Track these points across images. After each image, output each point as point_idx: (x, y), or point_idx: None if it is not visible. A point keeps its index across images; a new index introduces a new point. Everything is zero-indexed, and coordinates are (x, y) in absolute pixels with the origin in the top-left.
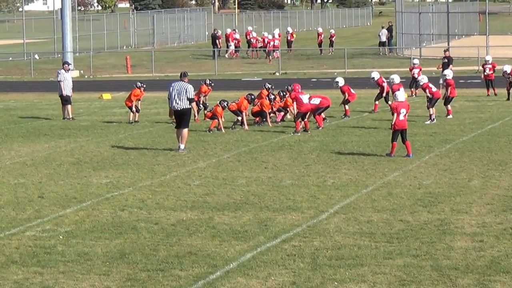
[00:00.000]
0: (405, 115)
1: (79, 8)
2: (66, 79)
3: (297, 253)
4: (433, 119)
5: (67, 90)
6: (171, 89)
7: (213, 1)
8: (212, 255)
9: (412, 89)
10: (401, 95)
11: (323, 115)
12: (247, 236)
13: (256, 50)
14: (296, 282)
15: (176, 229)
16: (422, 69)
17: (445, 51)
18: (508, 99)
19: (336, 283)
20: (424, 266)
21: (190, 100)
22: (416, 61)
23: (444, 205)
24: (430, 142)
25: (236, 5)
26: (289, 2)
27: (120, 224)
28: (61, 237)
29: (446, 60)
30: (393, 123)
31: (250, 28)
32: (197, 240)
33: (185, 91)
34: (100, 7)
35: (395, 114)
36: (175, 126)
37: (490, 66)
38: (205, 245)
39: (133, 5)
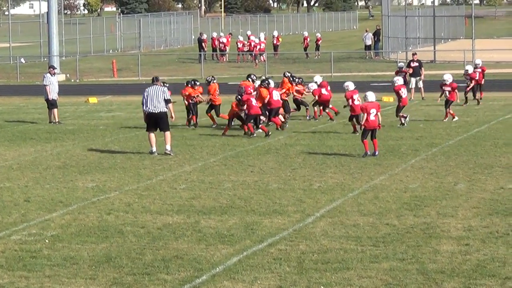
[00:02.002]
0: (375, 114)
1: (65, 12)
2: (52, 83)
3: (283, 257)
4: (404, 123)
5: (53, 94)
6: (145, 94)
7: (199, 5)
8: (198, 259)
9: None
10: (371, 95)
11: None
12: (233, 240)
13: (243, 54)
14: (282, 286)
15: (162, 233)
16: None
17: (413, 54)
18: (466, 102)
19: (322, 287)
20: (410, 269)
21: (167, 101)
22: (401, 64)
23: (430, 208)
24: (416, 145)
25: (222, 9)
26: (275, 6)
27: (106, 228)
28: (47, 241)
29: (417, 64)
30: (362, 123)
31: (249, 32)
32: (183, 244)
33: (162, 93)
34: (86, 11)
35: (365, 114)
36: (147, 130)
37: (479, 70)
38: (191, 249)
39: (120, 9)
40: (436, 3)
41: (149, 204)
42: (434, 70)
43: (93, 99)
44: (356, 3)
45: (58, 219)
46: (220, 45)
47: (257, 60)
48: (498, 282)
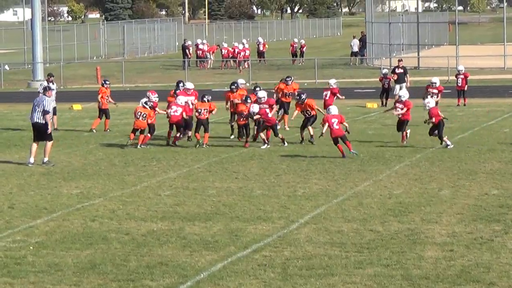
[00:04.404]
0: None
1: (49, 18)
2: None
3: (268, 263)
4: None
5: None
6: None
7: (183, 12)
8: (183, 266)
9: (382, 99)
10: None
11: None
12: (217, 246)
13: (226, 61)
14: None
15: (146, 240)
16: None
17: (399, 61)
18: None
19: None
20: (394, 275)
21: (44, 112)
22: (385, 71)
23: (414, 214)
24: (400, 151)
25: (206, 16)
26: (259, 12)
27: (91, 234)
28: (31, 247)
29: (402, 71)
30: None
31: (235, 43)
32: (168, 251)
33: (42, 104)
34: (70, 18)
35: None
36: (34, 140)
37: (462, 76)
38: (175, 255)
39: (103, 16)
40: (420, 10)
41: (133, 211)
42: (418, 76)
43: (77, 106)
44: (340, 10)
45: (43, 225)
46: (198, 51)
47: (241, 67)
48: (483, 287)
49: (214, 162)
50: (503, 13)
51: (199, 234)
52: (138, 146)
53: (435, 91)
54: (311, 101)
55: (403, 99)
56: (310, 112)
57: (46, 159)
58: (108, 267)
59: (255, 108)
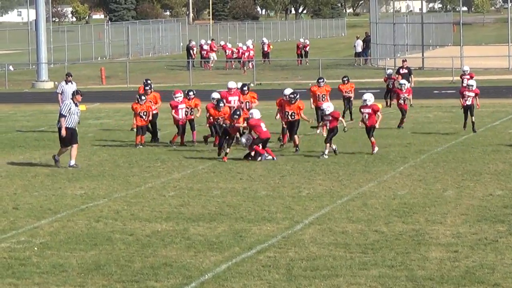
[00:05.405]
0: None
1: (54, 19)
2: (66, 92)
3: (272, 264)
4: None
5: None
6: None
7: (187, 12)
8: (187, 266)
9: (387, 100)
10: (257, 113)
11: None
12: (222, 247)
13: (231, 61)
14: None
15: (151, 240)
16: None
17: (403, 61)
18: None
19: None
20: (399, 276)
21: (59, 116)
22: (390, 71)
23: (419, 215)
24: (405, 152)
25: (211, 16)
26: (263, 13)
27: (95, 235)
28: (36, 248)
29: (406, 71)
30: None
31: (240, 44)
32: (172, 251)
33: (59, 108)
34: (74, 19)
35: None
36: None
37: (468, 76)
38: (180, 256)
39: (108, 16)
40: (424, 10)
41: (138, 212)
42: (423, 77)
43: (81, 107)
44: (344, 10)
45: (47, 226)
46: (202, 52)
47: (245, 67)
48: None
49: (219, 163)
50: (508, 14)
51: (203, 234)
52: (139, 146)
53: (471, 94)
54: (302, 104)
55: (368, 103)
56: (294, 116)
57: (56, 157)
58: (113, 268)
59: (246, 140)
